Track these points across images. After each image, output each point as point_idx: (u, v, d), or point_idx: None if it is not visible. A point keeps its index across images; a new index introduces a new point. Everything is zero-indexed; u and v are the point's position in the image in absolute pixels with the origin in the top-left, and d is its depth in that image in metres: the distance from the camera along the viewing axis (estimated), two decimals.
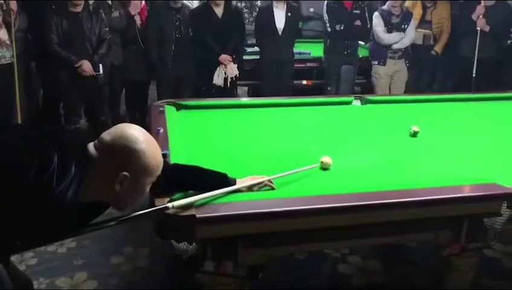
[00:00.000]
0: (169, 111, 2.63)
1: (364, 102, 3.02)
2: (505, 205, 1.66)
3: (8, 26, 3.62)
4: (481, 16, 4.35)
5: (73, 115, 3.98)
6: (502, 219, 1.66)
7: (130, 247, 2.72)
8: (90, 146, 1.23)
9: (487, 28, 4.35)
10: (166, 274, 2.49)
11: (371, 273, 2.54)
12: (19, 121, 3.73)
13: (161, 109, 2.61)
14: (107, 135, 1.24)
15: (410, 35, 4.43)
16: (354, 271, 2.55)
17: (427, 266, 2.46)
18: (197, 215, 1.42)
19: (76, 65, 3.71)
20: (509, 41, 4.36)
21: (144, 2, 4.23)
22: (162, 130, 2.20)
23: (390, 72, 4.48)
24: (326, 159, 1.96)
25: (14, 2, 3.65)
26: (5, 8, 3.61)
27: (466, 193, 1.69)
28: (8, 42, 3.63)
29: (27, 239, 1.19)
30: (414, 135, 2.41)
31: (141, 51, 4.17)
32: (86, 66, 3.73)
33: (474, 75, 4.38)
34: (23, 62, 3.90)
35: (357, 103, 3.01)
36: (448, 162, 2.10)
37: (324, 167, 1.95)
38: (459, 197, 1.68)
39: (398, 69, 4.48)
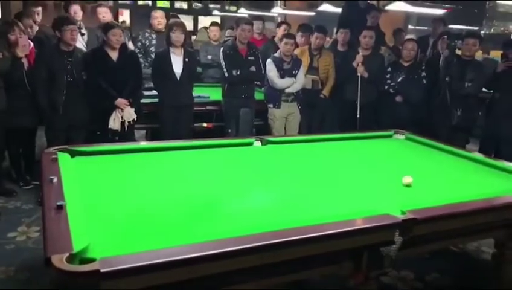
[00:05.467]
0: (63, 158, 2.45)
1: (265, 143, 3.13)
2: (397, 233, 1.82)
3: None
4: (360, 64, 4.87)
5: None
6: (396, 246, 1.82)
7: None
8: None
9: (366, 74, 4.87)
10: None
11: None
12: None
13: (53, 156, 2.43)
14: None
15: (300, 80, 4.76)
16: None
17: None
18: (101, 270, 1.32)
19: None
20: (385, 87, 4.88)
21: (32, 44, 3.97)
22: (55, 180, 2.04)
23: (285, 114, 4.74)
24: (407, 180, 2.40)
25: None
26: None
27: (362, 225, 1.82)
28: None
29: None
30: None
31: (28, 95, 3.87)
32: None
33: (358, 116, 4.84)
34: None
35: (257, 143, 3.11)
36: (344, 197, 2.24)
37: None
38: (356, 229, 1.80)
39: (291, 111, 4.75)
